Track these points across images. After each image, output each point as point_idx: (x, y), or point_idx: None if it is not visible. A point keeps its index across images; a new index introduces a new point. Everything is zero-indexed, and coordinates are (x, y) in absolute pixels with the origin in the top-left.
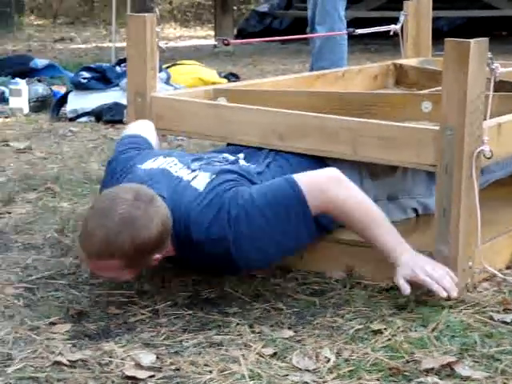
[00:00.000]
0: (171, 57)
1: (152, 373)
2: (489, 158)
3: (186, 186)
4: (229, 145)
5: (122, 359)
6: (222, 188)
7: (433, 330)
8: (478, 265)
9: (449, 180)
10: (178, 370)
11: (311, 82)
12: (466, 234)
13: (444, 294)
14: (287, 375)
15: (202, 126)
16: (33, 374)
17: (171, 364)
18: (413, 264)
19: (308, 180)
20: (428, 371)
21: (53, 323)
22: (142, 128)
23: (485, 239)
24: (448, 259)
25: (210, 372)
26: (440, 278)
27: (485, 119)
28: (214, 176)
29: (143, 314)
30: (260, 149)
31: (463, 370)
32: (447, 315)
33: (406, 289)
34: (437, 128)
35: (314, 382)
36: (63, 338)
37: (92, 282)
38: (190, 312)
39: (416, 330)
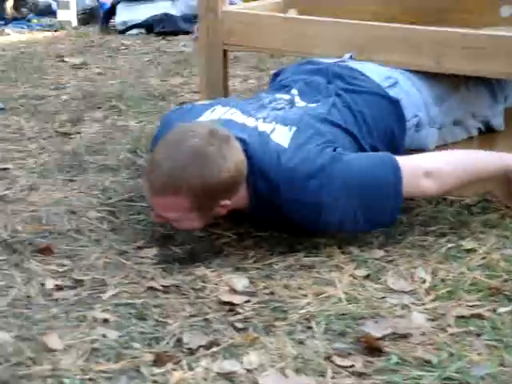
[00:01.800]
0: None
1: (247, 297)
2: None
3: (267, 137)
4: (274, 80)
5: (215, 284)
6: (313, 149)
7: None
8: None
9: None
10: (272, 293)
11: None
12: None
13: None
14: (384, 297)
15: (276, 41)
16: (129, 301)
17: (265, 288)
18: None
19: (409, 169)
20: None
21: (140, 247)
22: None
23: None
24: None
25: (305, 296)
26: None
27: None
28: (294, 129)
29: (228, 237)
30: (314, 86)
31: None
32: None
33: None
34: None
35: (413, 304)
36: (152, 262)
37: None
38: (276, 234)
39: (511, 248)
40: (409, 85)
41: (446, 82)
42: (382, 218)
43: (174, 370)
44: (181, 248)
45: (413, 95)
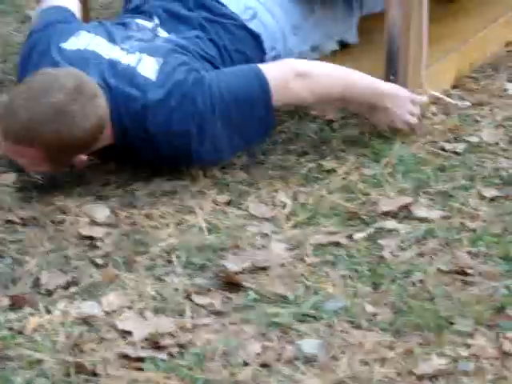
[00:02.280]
0: None
1: (108, 229)
2: None
3: (133, 72)
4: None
5: (75, 215)
6: (180, 76)
7: (386, 165)
8: (425, 89)
9: (398, 7)
10: (134, 224)
11: None
12: (415, 60)
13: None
14: (245, 225)
15: None
16: None
17: (126, 218)
18: (393, 110)
19: (274, 75)
20: (385, 214)
21: None
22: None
23: (433, 59)
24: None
25: (167, 225)
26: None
27: None
28: (161, 61)
29: (91, 160)
30: (176, 15)
31: (420, 211)
32: (400, 148)
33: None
34: None
35: (273, 232)
36: (10, 190)
37: None
38: None
39: (369, 167)
40: (268, 16)
41: (302, 5)
42: (256, 134)
43: (31, 314)
44: (40, 174)
45: (271, 27)
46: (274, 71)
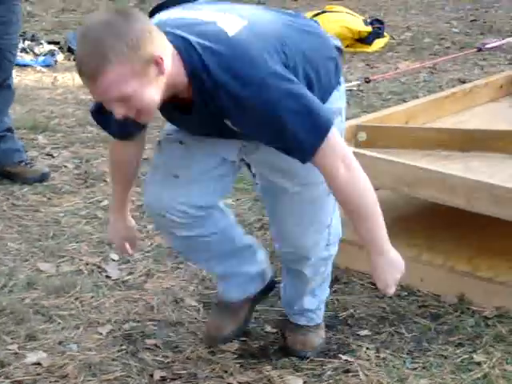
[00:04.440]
0: None
1: None
2: None
3: (210, 23)
4: None
5: None
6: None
7: None
8: None
9: None
10: None
11: (441, 103)
12: None
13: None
14: None
15: None
16: None
17: None
18: (395, 267)
19: (334, 144)
20: None
21: None
22: None
23: None
24: None
25: None
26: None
27: None
28: (245, 23)
29: None
30: None
31: None
32: None
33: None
34: None
35: None
36: (233, 357)
37: None
38: (331, 334)
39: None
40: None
41: None
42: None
43: None
44: (256, 343)
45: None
46: (337, 143)
